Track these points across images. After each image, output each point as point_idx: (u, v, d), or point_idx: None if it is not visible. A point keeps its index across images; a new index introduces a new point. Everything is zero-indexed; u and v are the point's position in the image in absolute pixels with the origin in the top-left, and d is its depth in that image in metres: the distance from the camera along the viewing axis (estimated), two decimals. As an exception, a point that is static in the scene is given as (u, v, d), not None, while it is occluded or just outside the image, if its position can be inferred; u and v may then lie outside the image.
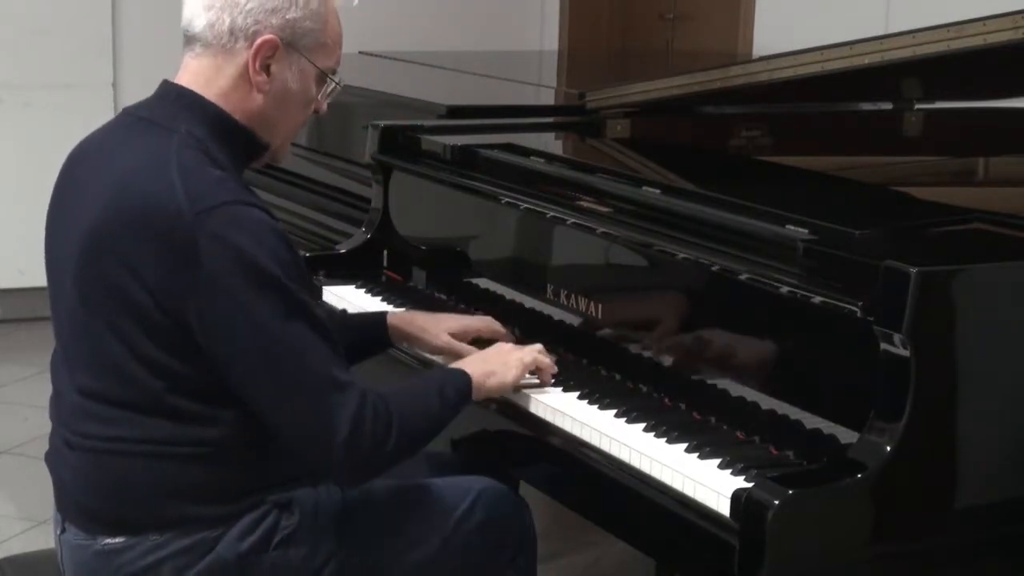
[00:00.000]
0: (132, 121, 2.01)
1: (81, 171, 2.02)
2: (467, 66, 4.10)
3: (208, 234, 1.83)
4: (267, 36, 1.96)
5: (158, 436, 1.92)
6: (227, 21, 1.96)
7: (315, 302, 1.95)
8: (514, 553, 2.16)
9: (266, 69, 1.98)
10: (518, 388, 2.18)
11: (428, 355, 2.39)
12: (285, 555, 1.99)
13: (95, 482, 1.96)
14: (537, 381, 2.20)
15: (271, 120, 2.02)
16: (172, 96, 2.00)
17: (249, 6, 1.96)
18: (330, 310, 2.54)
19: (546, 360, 2.21)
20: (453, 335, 2.35)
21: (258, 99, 1.99)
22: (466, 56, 4.19)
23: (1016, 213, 2.14)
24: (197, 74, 2.00)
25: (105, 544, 1.96)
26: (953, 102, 3.26)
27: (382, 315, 2.42)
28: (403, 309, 2.59)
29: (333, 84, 2.06)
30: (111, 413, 1.94)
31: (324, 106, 2.10)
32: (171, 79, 2.02)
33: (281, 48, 1.98)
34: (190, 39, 2.01)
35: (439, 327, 2.36)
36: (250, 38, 1.96)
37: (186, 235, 1.83)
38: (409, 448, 2.00)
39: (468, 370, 2.12)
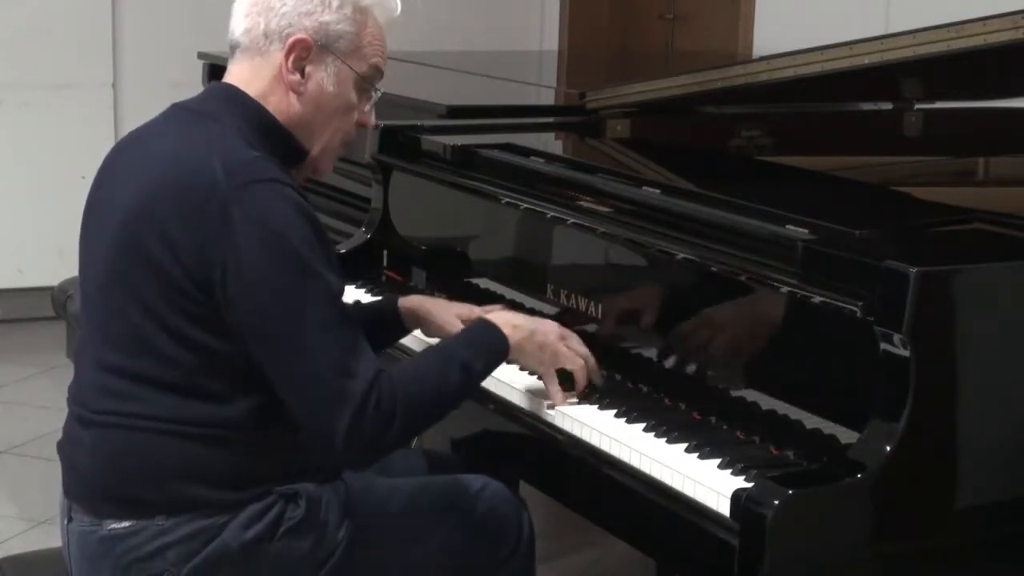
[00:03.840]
0: (177, 111, 2.07)
1: (125, 157, 2.08)
2: (467, 66, 4.10)
3: (240, 207, 1.88)
4: (299, 35, 2.01)
5: (175, 414, 1.95)
6: (262, 25, 2.03)
7: (340, 286, 1.95)
8: (512, 550, 2.17)
9: (300, 70, 2.03)
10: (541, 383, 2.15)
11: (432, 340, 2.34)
12: (289, 546, 2.00)
13: (107, 457, 1.98)
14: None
15: (309, 125, 2.06)
16: (216, 92, 2.07)
17: (283, 10, 2.02)
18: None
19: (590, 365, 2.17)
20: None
21: (294, 101, 2.04)
22: (466, 56, 4.19)
23: (1016, 213, 2.14)
24: (238, 78, 2.06)
25: (111, 529, 1.98)
26: (953, 102, 3.26)
27: (392, 302, 2.36)
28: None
29: (372, 92, 2.09)
30: (132, 389, 1.96)
31: (371, 119, 2.13)
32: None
33: (315, 49, 2.02)
34: (232, 47, 2.08)
35: (449, 310, 2.31)
36: (283, 39, 2.02)
37: (220, 206, 1.88)
38: (416, 429, 2.05)
39: (503, 328, 2.09)
